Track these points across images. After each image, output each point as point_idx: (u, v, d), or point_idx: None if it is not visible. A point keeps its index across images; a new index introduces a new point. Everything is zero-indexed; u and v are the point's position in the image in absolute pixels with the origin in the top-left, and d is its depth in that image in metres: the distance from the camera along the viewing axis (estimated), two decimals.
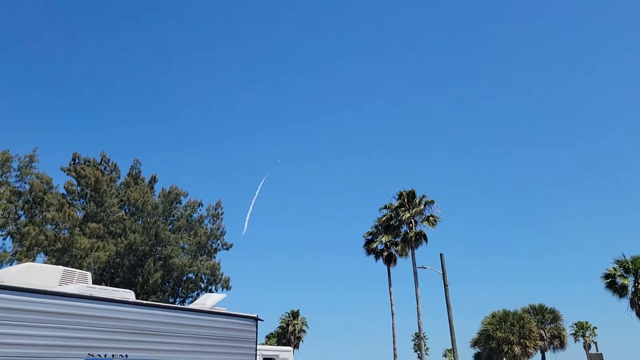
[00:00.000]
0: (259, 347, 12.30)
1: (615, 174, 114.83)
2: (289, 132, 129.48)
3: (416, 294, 31.21)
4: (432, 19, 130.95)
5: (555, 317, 44.30)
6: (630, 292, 32.43)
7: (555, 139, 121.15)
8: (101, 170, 40.74)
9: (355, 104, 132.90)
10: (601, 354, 29.92)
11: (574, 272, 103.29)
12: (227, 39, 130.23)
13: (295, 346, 52.71)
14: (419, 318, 31.12)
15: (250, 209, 70.26)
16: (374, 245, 35.09)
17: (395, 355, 32.92)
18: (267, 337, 57.08)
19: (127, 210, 41.31)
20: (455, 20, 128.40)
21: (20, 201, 34.10)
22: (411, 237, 31.95)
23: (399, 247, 34.14)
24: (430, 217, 32.35)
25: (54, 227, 34.61)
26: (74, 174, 38.94)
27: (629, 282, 32.65)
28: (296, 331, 54.69)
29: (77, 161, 40.27)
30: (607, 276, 33.51)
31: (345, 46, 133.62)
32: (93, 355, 8.04)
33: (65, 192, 38.30)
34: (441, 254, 28.41)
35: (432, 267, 29.18)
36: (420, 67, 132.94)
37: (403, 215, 32.72)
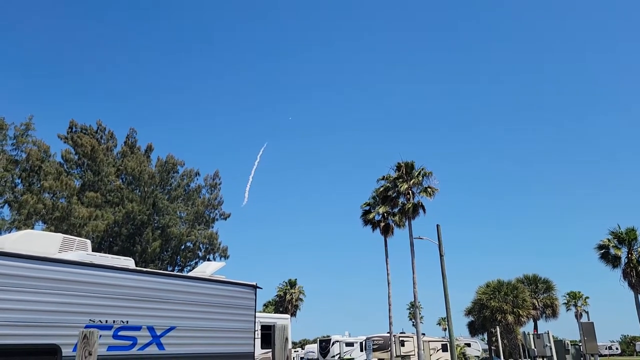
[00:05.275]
0: (257, 314, 12.44)
1: (612, 146, 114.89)
2: (289, 101, 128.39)
3: (412, 264, 31.58)
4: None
5: (548, 287, 45.00)
6: (623, 263, 32.93)
7: (553, 114, 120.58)
8: (97, 139, 40.44)
9: (357, 75, 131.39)
10: (592, 322, 30.47)
11: (568, 243, 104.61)
12: (227, 9, 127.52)
13: (293, 314, 53.67)
14: (414, 287, 31.58)
15: (250, 179, 70.27)
16: (371, 216, 35.24)
17: (390, 324, 33.56)
18: (264, 305, 58.07)
19: (124, 180, 41.25)
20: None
21: (17, 169, 33.94)
22: (408, 208, 32.08)
23: (396, 218, 34.29)
24: (428, 188, 32.42)
25: (51, 195, 34.56)
26: (71, 142, 38.66)
27: (622, 252, 33.13)
28: (293, 299, 55.60)
29: (74, 129, 39.91)
30: (600, 247, 33.96)
31: (351, 22, 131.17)
32: (94, 321, 8.11)
33: (63, 161, 38.12)
34: (437, 225, 28.59)
35: (429, 237, 29.43)
36: (423, 41, 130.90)
37: (401, 187, 32.76)
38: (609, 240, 33.63)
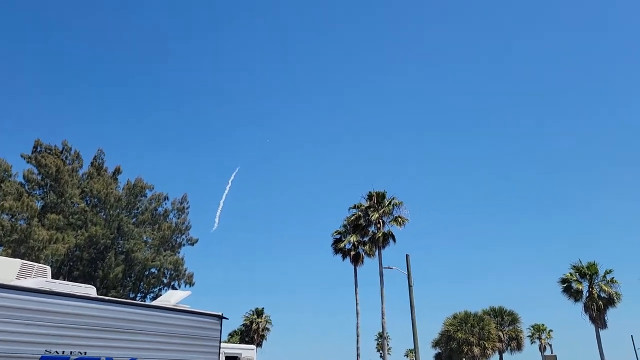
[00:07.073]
0: (221, 345, 12.13)
1: (575, 176, 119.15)
2: (262, 127, 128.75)
3: (381, 294, 31.56)
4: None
5: (513, 319, 45.62)
6: (584, 297, 33.76)
7: (518, 138, 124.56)
8: (62, 159, 39.36)
9: (329, 102, 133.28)
10: (555, 356, 31.02)
11: (533, 273, 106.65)
12: (200, 29, 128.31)
13: (259, 344, 52.43)
14: (383, 318, 31.46)
15: (221, 204, 69.17)
16: (342, 244, 35.22)
17: (358, 355, 33.17)
18: (230, 334, 56.56)
19: (89, 202, 40.07)
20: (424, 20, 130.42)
21: None
22: (379, 237, 32.26)
23: (366, 247, 34.40)
24: (399, 218, 32.79)
25: (10, 217, 33.24)
26: (34, 162, 37.49)
27: (584, 287, 34.03)
28: (260, 329, 54.39)
29: (39, 149, 38.77)
30: (563, 281, 34.80)
31: (322, 37, 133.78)
32: (50, 352, 7.74)
33: (24, 181, 36.85)
34: (407, 255, 28.70)
35: (399, 267, 29.49)
36: (398, 63, 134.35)
37: (372, 216, 33.01)
38: (571, 274, 34.52)
